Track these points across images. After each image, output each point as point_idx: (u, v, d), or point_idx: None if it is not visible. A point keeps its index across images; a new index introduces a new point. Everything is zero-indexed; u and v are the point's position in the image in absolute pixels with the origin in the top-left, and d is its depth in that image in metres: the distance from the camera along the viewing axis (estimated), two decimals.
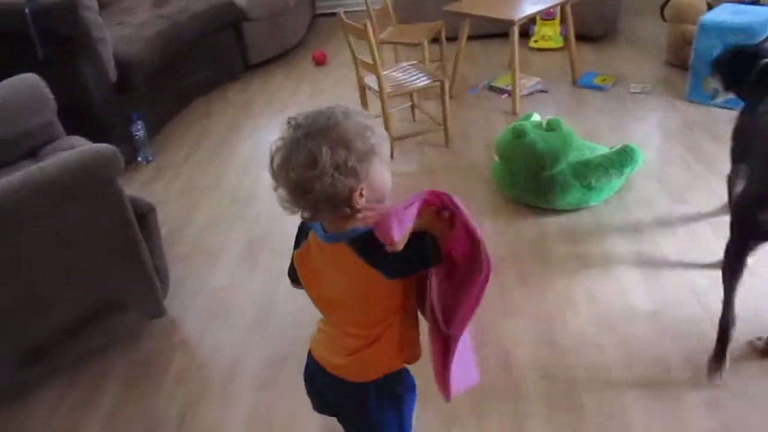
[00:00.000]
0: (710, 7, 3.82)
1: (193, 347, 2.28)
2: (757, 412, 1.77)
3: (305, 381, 1.38)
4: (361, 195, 1.08)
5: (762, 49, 2.24)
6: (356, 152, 1.05)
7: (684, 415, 1.78)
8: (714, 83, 2.31)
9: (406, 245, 1.07)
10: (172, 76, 3.95)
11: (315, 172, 1.03)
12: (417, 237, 1.10)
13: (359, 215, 1.10)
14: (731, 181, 2.26)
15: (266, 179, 3.33)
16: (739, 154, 2.17)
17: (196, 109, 4.14)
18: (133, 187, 3.21)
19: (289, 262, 1.32)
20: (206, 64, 4.27)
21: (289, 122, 1.09)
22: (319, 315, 1.32)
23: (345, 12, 3.07)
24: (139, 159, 3.48)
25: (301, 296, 2.39)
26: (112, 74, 3.31)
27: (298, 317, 2.28)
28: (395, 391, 1.28)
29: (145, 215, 2.10)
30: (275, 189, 1.09)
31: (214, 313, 2.38)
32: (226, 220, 2.93)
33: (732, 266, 1.84)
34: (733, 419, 1.75)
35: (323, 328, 1.34)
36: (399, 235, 1.05)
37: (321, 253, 1.21)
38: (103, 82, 3.25)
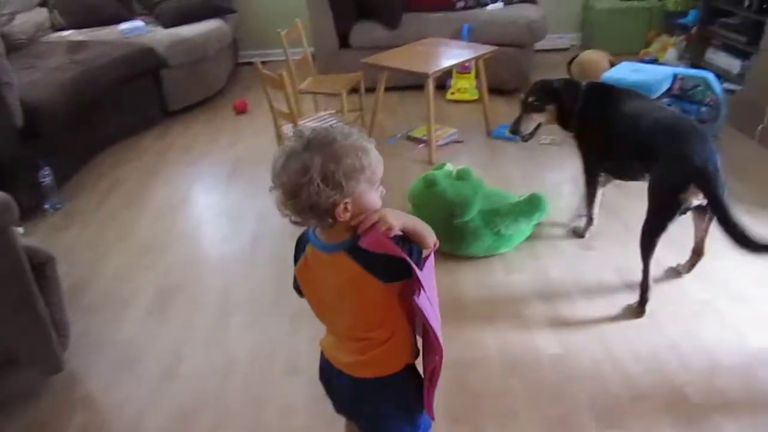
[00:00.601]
0: (613, 64, 4.09)
1: (96, 403, 2.16)
2: None
3: (322, 383, 1.48)
4: (345, 209, 1.18)
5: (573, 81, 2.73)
6: (344, 168, 1.16)
7: None
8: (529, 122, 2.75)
9: (403, 245, 1.20)
10: (86, 122, 3.85)
11: (304, 179, 1.14)
12: (403, 241, 1.22)
13: (350, 225, 1.21)
14: (593, 186, 2.74)
15: (180, 227, 3.28)
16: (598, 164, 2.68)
17: (111, 155, 4.04)
18: (38, 236, 3.08)
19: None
20: (123, 110, 4.19)
21: (294, 133, 1.22)
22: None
23: (267, 61, 3.11)
24: (46, 206, 3.34)
25: (211, 346, 2.34)
26: (18, 119, 3.19)
27: (207, 369, 2.22)
28: (408, 385, 1.39)
29: (43, 265, 2.00)
30: (271, 190, 1.20)
31: (120, 366, 2.27)
32: (136, 270, 2.83)
33: (652, 244, 2.26)
34: None
35: (330, 333, 1.42)
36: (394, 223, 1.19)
37: (319, 264, 1.29)
38: (8, 128, 3.13)
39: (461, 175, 2.67)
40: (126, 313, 2.55)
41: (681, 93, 3.67)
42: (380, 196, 1.25)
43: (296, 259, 1.35)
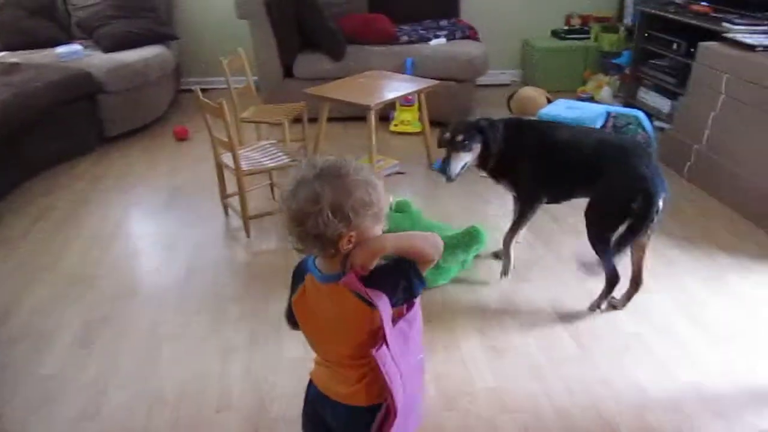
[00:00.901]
0: (549, 101, 4.21)
1: None
2: None
3: (304, 412, 1.48)
4: (349, 241, 1.19)
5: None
6: (354, 202, 1.17)
7: None
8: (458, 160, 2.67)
9: (388, 276, 1.22)
10: (17, 146, 3.72)
11: (314, 209, 1.15)
12: (397, 266, 1.24)
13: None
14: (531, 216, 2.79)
15: (111, 257, 3.17)
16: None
17: (44, 181, 3.90)
18: None
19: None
20: (57, 135, 4.07)
21: (308, 162, 1.22)
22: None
23: (210, 89, 3.07)
24: None
25: (138, 383, 2.25)
26: None
27: (132, 407, 2.13)
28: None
29: None
30: (279, 212, 1.23)
31: (38, 404, 2.15)
32: (62, 302, 2.71)
33: (606, 246, 2.42)
34: None
35: (322, 363, 1.40)
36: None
37: (317, 294, 1.30)
38: None
39: (400, 207, 2.68)
40: (47, 347, 2.43)
41: (614, 130, 3.81)
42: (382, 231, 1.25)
43: (293, 289, 1.36)
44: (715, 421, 2.05)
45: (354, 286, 1.18)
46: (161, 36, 4.98)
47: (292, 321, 1.40)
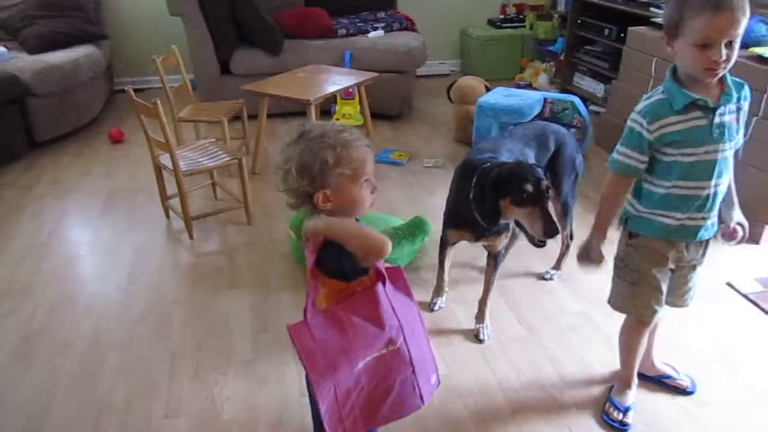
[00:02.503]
0: (488, 89, 4.27)
1: None
2: None
3: None
4: (327, 200, 1.34)
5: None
6: (320, 162, 1.30)
7: None
8: None
9: (327, 249, 1.35)
10: None
11: (285, 167, 1.33)
12: (326, 246, 1.35)
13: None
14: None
15: (47, 267, 3.06)
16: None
17: None
18: None
19: None
20: None
21: (297, 127, 1.39)
22: None
23: (145, 89, 2.98)
24: None
25: (82, 394, 2.17)
26: None
27: (76, 419, 2.06)
28: None
29: None
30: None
31: None
32: None
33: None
34: None
35: None
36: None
37: None
38: None
39: None
40: None
41: (551, 115, 3.89)
42: (373, 192, 1.40)
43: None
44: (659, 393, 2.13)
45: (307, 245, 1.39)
46: (90, 35, 4.81)
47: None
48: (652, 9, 4.06)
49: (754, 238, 3.04)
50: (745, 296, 2.67)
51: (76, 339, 2.45)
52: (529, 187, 1.96)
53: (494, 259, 2.43)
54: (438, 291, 2.64)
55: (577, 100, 3.89)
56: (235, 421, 2.03)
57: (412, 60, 4.70)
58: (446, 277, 2.63)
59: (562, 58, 5.33)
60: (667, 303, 1.91)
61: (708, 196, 1.68)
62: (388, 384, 1.45)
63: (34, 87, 4.10)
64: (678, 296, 1.93)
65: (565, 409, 2.06)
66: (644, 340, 1.99)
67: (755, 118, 2.95)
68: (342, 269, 1.38)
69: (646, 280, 1.82)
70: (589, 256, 1.86)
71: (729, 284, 2.74)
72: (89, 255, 3.08)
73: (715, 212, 1.74)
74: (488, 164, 2.15)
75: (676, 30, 1.54)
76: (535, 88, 5.22)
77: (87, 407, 2.11)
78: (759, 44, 3.15)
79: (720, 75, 1.56)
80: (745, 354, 2.33)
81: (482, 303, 2.48)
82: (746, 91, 1.67)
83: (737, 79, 1.65)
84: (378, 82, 4.03)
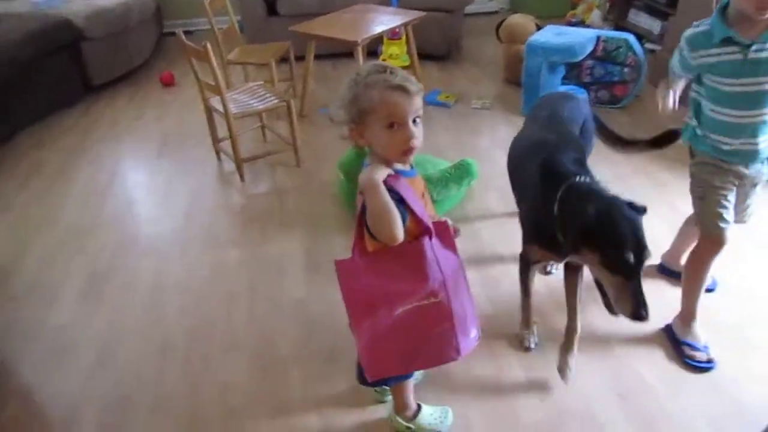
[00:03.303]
0: (539, 27, 4.15)
1: (29, 394, 2.11)
2: None
3: None
4: (354, 135, 1.40)
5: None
6: (349, 97, 1.37)
7: None
8: None
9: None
10: (1, 102, 3.66)
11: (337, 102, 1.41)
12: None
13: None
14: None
15: (109, 208, 3.16)
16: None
17: (31, 135, 3.87)
18: None
19: None
20: (41, 87, 4.01)
21: (354, 79, 1.40)
22: None
23: (193, 31, 3.00)
24: None
25: (146, 329, 2.30)
26: None
27: (143, 352, 2.19)
28: None
29: None
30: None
31: (53, 355, 2.22)
32: (64, 255, 2.74)
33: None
34: None
35: None
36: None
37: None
38: None
39: None
40: (56, 299, 2.48)
41: (604, 54, 3.77)
42: (408, 140, 1.36)
43: None
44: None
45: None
46: None
47: None
48: None
49: None
50: None
51: (139, 279, 2.58)
52: (630, 257, 1.53)
53: (575, 272, 1.94)
54: (526, 323, 2.13)
55: (631, 37, 3.75)
56: (290, 356, 2.13)
57: None
58: (532, 306, 2.11)
59: None
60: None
61: (756, 124, 1.76)
62: (425, 334, 1.48)
63: (87, 31, 4.19)
64: (738, 212, 1.97)
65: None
66: (709, 271, 1.99)
67: None
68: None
69: (712, 192, 1.88)
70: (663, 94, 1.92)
71: None
72: (146, 197, 3.20)
73: (761, 138, 1.79)
74: (579, 181, 1.72)
75: None
76: (587, 26, 5.04)
77: (152, 341, 2.24)
78: None
79: None
80: None
81: (572, 331, 1.96)
82: None
83: None
84: (425, 21, 3.96)
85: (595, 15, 5.20)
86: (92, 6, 4.30)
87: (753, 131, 1.77)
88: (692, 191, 1.96)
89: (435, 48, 4.63)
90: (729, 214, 1.88)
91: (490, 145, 3.46)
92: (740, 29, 1.67)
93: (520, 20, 4.21)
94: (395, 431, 1.83)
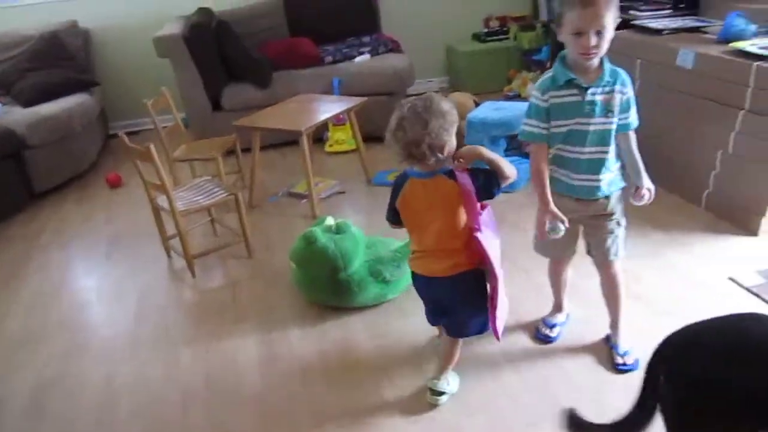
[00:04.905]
0: (477, 104, 4.32)
1: None
2: None
3: (423, 297, 2.20)
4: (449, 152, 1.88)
5: None
6: (448, 121, 1.86)
7: None
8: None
9: (474, 172, 1.92)
10: None
11: (425, 131, 1.82)
12: (482, 170, 1.94)
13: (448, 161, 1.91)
14: None
15: (56, 315, 3.06)
16: None
17: None
18: None
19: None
20: None
21: (402, 105, 1.92)
22: None
23: (139, 131, 3.02)
24: None
25: None
26: None
27: None
28: (481, 281, 2.05)
29: None
30: (389, 146, 1.94)
31: None
32: (7, 369, 2.62)
33: None
34: None
35: (422, 256, 2.05)
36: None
37: (424, 188, 1.94)
38: None
39: (340, 228, 2.70)
40: None
41: None
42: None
43: (395, 197, 2.02)
44: None
45: (457, 172, 1.89)
46: (82, 83, 4.88)
47: (394, 220, 2.08)
48: (631, 12, 4.11)
49: (751, 231, 3.05)
50: (748, 289, 2.68)
51: (89, 385, 2.47)
52: None
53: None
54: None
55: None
56: None
57: (400, 81, 4.75)
58: None
59: (548, 66, 5.37)
60: (593, 258, 2.24)
61: (588, 160, 2.02)
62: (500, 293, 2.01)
63: (30, 139, 4.16)
64: (599, 249, 2.19)
65: None
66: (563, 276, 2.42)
67: (742, 112, 2.98)
68: (491, 190, 1.93)
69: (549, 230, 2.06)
70: (542, 227, 2.05)
71: (731, 279, 2.75)
72: (96, 301, 3.11)
73: (603, 175, 2.04)
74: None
75: (560, 22, 1.88)
76: (524, 99, 5.26)
77: None
78: (739, 39, 3.19)
79: (594, 59, 1.89)
80: None
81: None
82: (622, 77, 1.99)
83: (615, 68, 1.99)
84: (369, 105, 4.08)
85: (530, 88, 5.43)
86: (34, 114, 4.30)
87: (589, 167, 2.02)
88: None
89: (380, 130, 4.69)
90: (558, 252, 2.30)
91: None
92: (578, 74, 1.93)
93: (460, 98, 4.37)
94: (432, 401, 2.17)
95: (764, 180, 2.94)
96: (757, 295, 2.62)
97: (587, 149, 2.01)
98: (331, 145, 4.70)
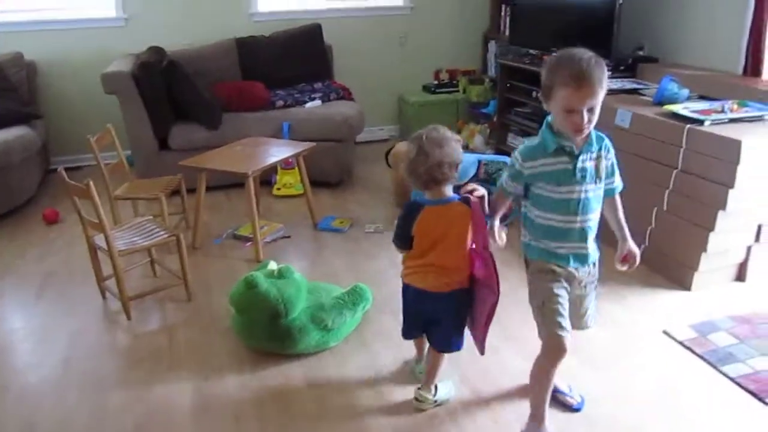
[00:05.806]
0: None
1: None
2: None
3: (409, 310, 2.34)
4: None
5: None
6: (456, 143, 2.10)
7: None
8: None
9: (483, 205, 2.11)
10: None
11: (445, 152, 2.05)
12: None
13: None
14: None
15: None
16: None
17: None
18: None
19: None
20: None
21: (416, 137, 2.09)
22: None
23: (81, 167, 2.93)
24: None
25: None
26: None
27: None
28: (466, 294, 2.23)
29: None
30: (408, 176, 2.12)
31: None
32: None
33: None
34: None
35: (420, 270, 2.20)
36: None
37: (438, 215, 2.12)
38: None
39: (283, 273, 2.67)
40: None
41: (486, 176, 4.00)
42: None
43: (411, 222, 2.13)
44: None
45: (472, 201, 2.09)
46: (23, 116, 4.73)
47: (404, 246, 2.21)
48: None
49: (685, 285, 3.16)
50: (681, 343, 2.75)
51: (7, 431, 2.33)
52: None
53: None
54: None
55: (510, 160, 4.02)
56: None
57: (349, 129, 4.80)
58: None
59: (495, 119, 5.53)
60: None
61: (579, 229, 1.97)
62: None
63: None
64: (578, 318, 2.15)
65: None
66: (553, 377, 2.09)
67: (675, 171, 3.11)
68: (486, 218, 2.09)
69: (550, 301, 1.99)
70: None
71: (665, 332, 2.82)
72: (20, 344, 2.96)
73: (589, 243, 2.01)
74: None
75: (549, 94, 1.84)
76: (471, 150, 5.38)
77: None
78: (672, 102, 3.37)
79: (585, 133, 1.87)
80: (685, 399, 2.39)
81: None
82: (606, 143, 1.99)
83: (599, 133, 1.96)
84: (317, 150, 4.10)
85: (478, 139, 5.57)
86: None
87: (580, 235, 1.97)
88: (531, 301, 2.09)
89: (328, 175, 4.77)
90: (567, 322, 2.01)
91: (385, 267, 3.51)
92: (567, 141, 1.89)
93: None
94: (420, 409, 2.34)
95: (696, 237, 3.07)
96: (690, 349, 2.70)
97: (579, 218, 1.95)
98: (279, 189, 4.68)
